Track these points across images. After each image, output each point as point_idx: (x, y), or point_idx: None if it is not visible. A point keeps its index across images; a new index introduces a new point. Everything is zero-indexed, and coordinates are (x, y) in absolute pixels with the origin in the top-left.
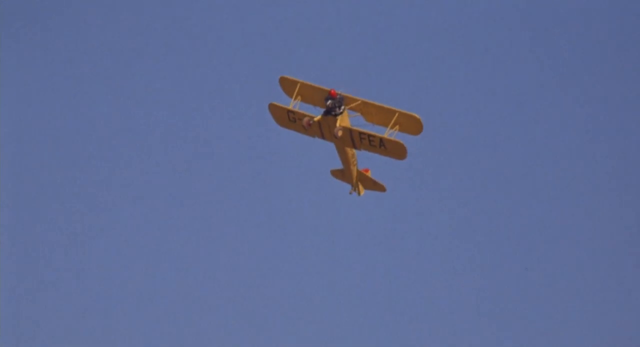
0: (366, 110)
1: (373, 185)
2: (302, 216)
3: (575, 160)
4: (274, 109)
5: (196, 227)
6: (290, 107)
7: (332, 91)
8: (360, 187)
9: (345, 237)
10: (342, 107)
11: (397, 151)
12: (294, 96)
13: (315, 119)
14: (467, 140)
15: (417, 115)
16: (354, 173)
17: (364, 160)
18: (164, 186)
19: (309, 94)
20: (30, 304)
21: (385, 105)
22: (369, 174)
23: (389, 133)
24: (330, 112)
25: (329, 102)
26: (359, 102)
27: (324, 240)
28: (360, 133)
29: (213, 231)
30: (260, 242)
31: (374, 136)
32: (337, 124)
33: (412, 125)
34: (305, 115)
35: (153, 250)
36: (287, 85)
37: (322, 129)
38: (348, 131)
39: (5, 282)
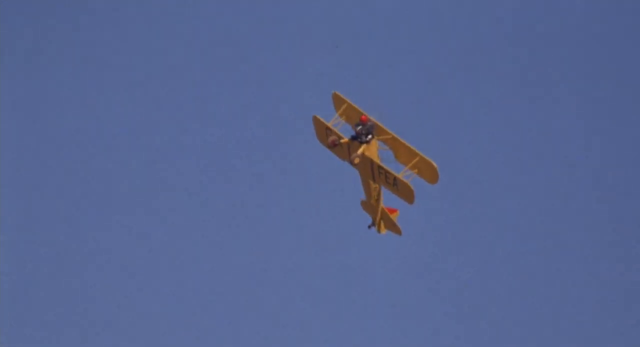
0: (395, 146)
1: (392, 226)
2: (314, 238)
3: (601, 215)
4: (316, 122)
5: (204, 237)
6: (329, 124)
7: (363, 117)
8: (382, 224)
9: (349, 269)
10: (370, 135)
11: (406, 193)
12: (338, 114)
13: (342, 140)
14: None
15: (434, 164)
16: (374, 208)
17: (396, 201)
18: (180, 193)
19: (352, 115)
20: (30, 304)
21: (411, 146)
22: (394, 215)
23: (405, 174)
24: (357, 138)
25: (358, 128)
26: (390, 136)
27: (328, 265)
28: (379, 167)
29: (228, 240)
30: (269, 256)
31: (389, 173)
32: (359, 151)
33: (429, 173)
34: (335, 135)
35: (167, 261)
36: (338, 103)
37: (350, 154)
38: (369, 162)
39: (5, 282)
